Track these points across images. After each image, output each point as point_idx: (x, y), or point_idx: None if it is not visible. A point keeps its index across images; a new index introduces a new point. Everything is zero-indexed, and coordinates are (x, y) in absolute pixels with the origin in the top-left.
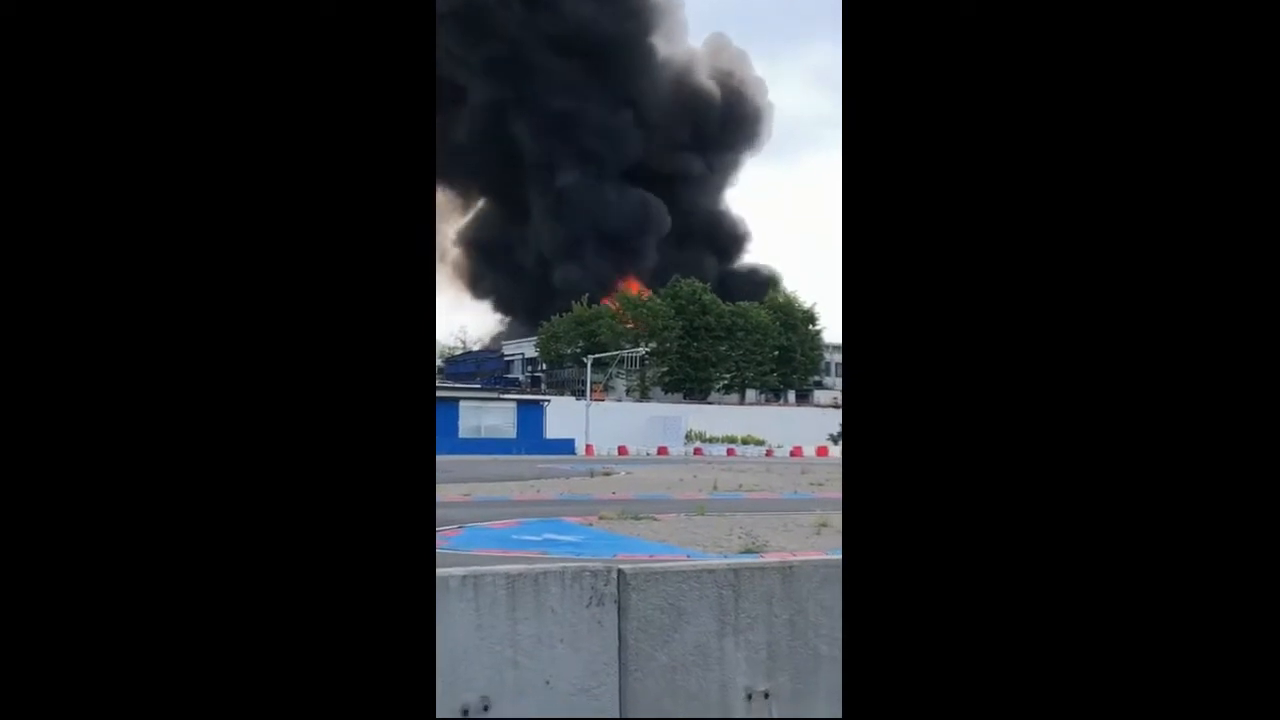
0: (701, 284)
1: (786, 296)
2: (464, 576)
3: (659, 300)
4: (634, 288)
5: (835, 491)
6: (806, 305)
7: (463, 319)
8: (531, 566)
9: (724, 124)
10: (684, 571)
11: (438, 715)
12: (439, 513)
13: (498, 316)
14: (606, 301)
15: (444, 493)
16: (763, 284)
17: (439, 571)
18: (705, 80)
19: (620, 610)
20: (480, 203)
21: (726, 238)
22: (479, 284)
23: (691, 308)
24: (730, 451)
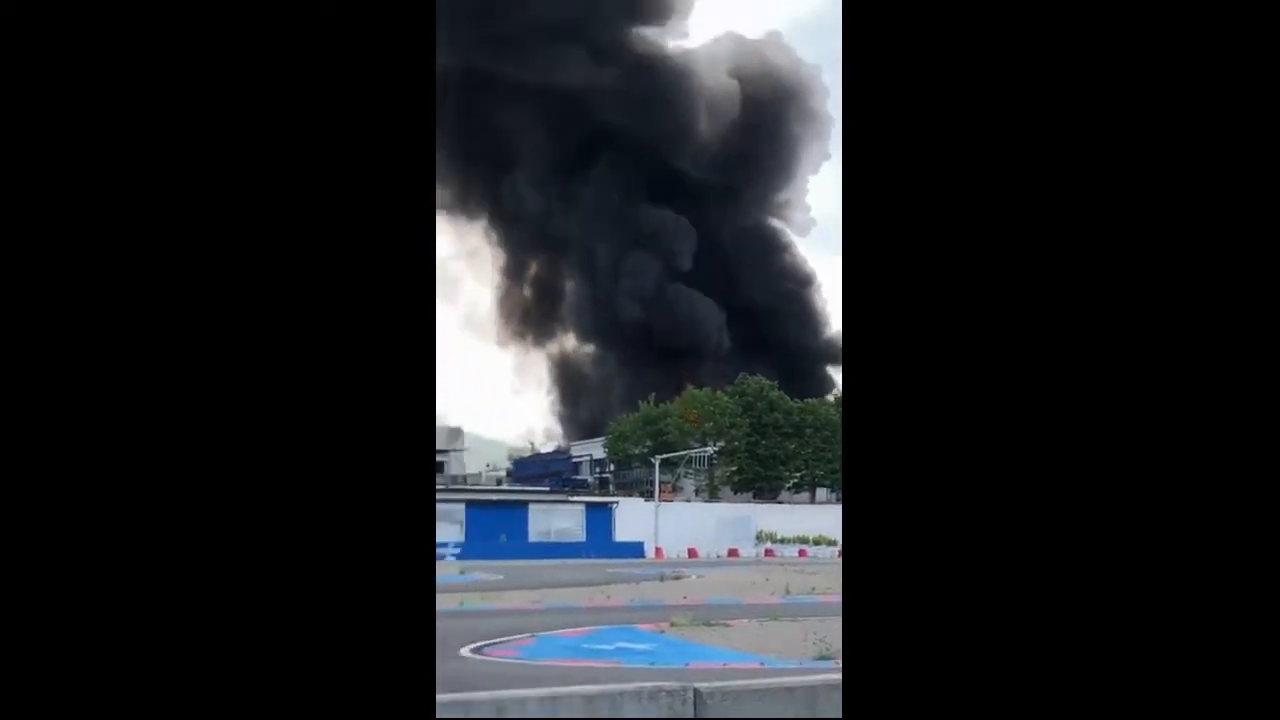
0: (769, 381)
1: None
2: (541, 698)
3: (726, 398)
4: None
5: None
6: None
7: (528, 418)
8: (608, 687)
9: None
10: (760, 690)
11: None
12: (511, 621)
13: (559, 413)
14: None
15: (515, 599)
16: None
17: (515, 692)
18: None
19: None
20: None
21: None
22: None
23: (759, 405)
24: (802, 553)
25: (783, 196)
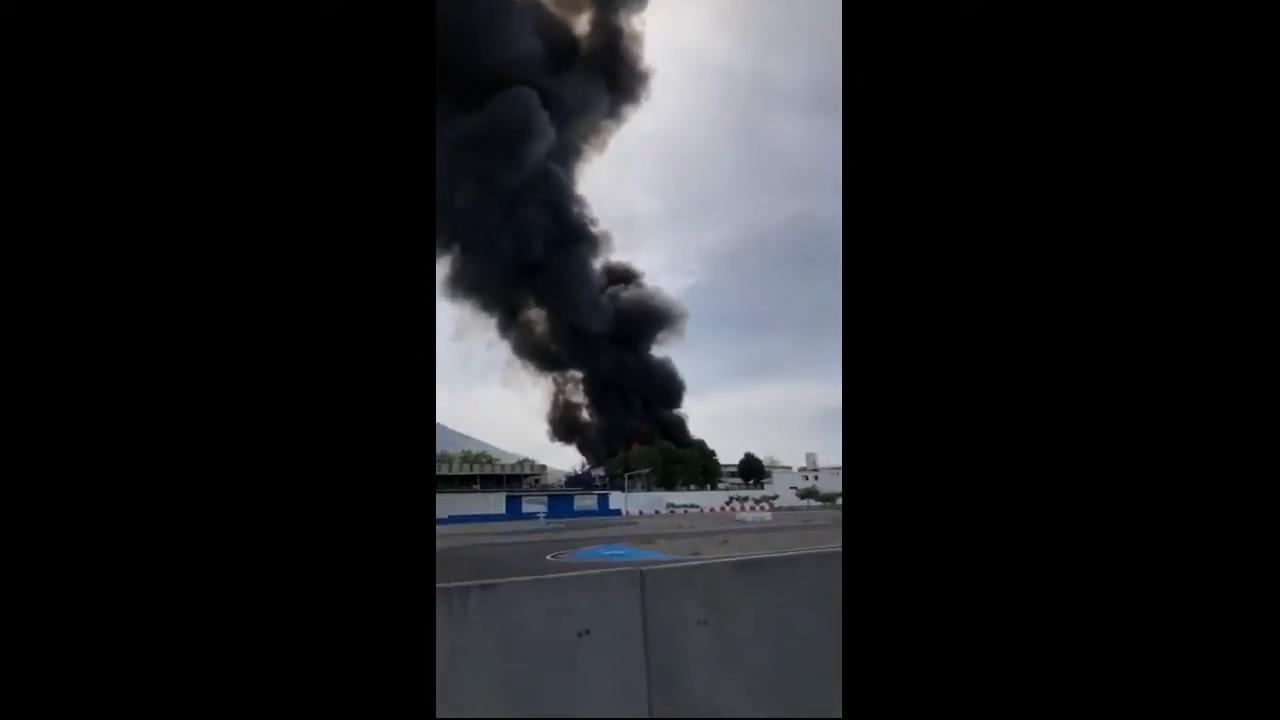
0: (669, 443)
1: (703, 447)
2: (581, 576)
3: (653, 450)
4: (643, 441)
5: (716, 524)
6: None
7: (571, 457)
8: (604, 568)
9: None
10: (669, 570)
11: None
12: (583, 535)
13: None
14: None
15: (578, 531)
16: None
17: (586, 572)
18: None
19: (644, 588)
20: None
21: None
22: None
23: (666, 453)
24: (685, 511)
25: None
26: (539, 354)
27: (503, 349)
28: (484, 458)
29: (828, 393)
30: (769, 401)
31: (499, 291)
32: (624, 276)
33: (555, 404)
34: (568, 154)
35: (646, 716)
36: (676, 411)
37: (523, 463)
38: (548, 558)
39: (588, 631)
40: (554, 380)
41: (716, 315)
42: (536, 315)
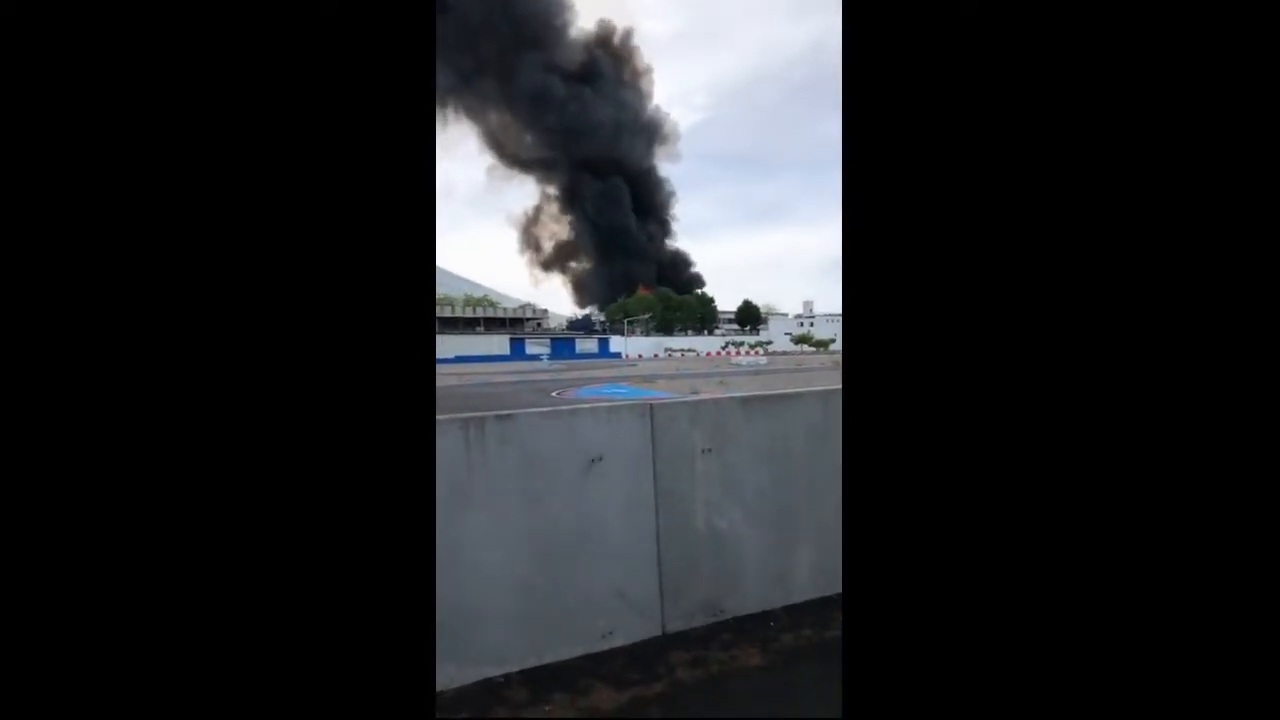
0: (668, 290)
1: (702, 294)
2: (594, 408)
3: (653, 297)
4: (643, 290)
5: (712, 367)
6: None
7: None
8: (614, 402)
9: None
10: (677, 404)
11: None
12: (585, 375)
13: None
14: (644, 290)
15: (580, 371)
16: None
17: (591, 404)
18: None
19: (653, 420)
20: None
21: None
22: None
23: (666, 300)
24: (684, 355)
25: None
26: (517, 163)
27: (480, 164)
28: (486, 301)
29: (829, 240)
30: (770, 247)
31: (463, 94)
32: (585, 72)
33: (533, 215)
34: None
35: (654, 530)
36: (680, 250)
37: (524, 306)
38: (552, 394)
39: (601, 458)
40: (538, 183)
41: (723, 156)
42: (504, 120)
